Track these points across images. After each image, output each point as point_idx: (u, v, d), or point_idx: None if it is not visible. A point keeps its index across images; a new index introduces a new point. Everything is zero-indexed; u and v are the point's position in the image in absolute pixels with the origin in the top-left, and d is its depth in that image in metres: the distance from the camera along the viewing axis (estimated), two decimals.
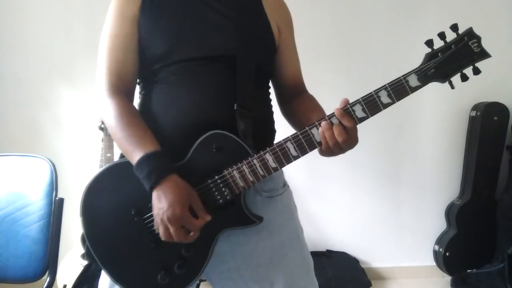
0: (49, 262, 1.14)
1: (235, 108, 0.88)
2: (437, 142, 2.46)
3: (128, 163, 0.84)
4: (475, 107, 2.35)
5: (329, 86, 2.26)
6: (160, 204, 0.79)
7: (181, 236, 0.80)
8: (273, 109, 1.04)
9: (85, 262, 1.94)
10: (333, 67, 2.39)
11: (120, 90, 0.92)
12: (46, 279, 1.14)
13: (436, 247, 2.44)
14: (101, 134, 2.07)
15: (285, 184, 1.03)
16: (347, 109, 0.82)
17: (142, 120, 0.89)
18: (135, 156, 0.82)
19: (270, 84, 1.07)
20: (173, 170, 0.82)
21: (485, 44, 0.83)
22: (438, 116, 2.43)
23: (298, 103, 1.03)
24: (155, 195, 0.81)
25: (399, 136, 2.46)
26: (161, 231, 0.81)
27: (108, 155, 2.01)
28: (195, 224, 0.81)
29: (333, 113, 0.83)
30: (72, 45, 2.34)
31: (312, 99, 1.04)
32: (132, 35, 0.92)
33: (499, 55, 2.32)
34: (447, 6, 2.33)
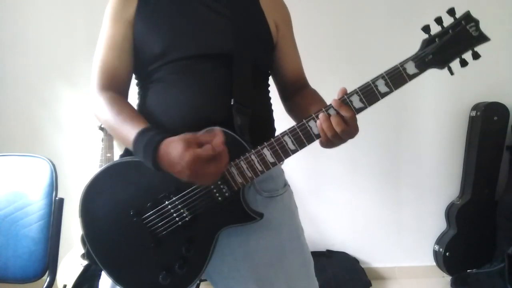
0: (49, 262, 1.14)
1: (232, 103, 0.87)
2: (437, 142, 2.46)
3: (126, 163, 0.85)
4: (475, 107, 2.35)
5: (329, 86, 2.26)
6: (175, 168, 0.75)
7: (219, 166, 0.75)
8: (273, 107, 1.04)
9: (85, 262, 1.94)
10: (333, 68, 2.39)
11: (109, 88, 0.92)
12: (46, 279, 1.14)
13: (436, 247, 2.44)
14: (101, 134, 2.08)
15: (285, 184, 1.02)
16: (344, 100, 0.81)
17: (132, 107, 0.90)
18: (130, 139, 0.82)
19: (270, 82, 1.06)
20: (165, 135, 0.79)
21: (485, 44, 0.82)
22: (438, 116, 2.43)
23: (300, 97, 1.03)
24: (166, 166, 0.77)
25: (399, 136, 2.46)
26: (206, 182, 0.80)
27: (108, 155, 2.01)
28: (213, 148, 0.74)
29: (330, 104, 0.82)
30: (73, 45, 2.34)
31: (313, 93, 1.03)
32: (126, 36, 0.93)
33: (499, 55, 2.32)
34: (447, 6, 2.32)
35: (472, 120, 2.36)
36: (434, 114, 2.42)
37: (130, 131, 0.82)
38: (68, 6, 2.33)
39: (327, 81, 2.31)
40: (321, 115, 0.81)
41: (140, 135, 0.80)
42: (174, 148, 0.75)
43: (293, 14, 1.10)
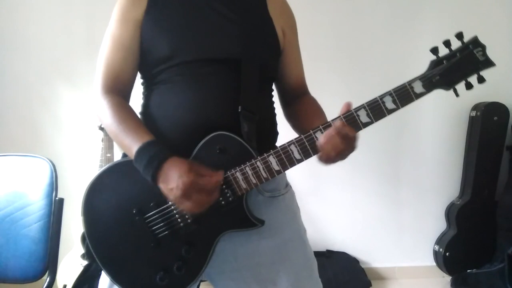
0: (49, 262, 1.13)
1: (239, 110, 0.88)
2: (437, 142, 2.46)
3: (129, 162, 0.84)
4: (475, 107, 2.35)
5: (329, 86, 2.26)
6: (170, 184, 0.79)
7: (206, 200, 0.79)
8: (276, 111, 1.04)
9: (85, 262, 1.94)
10: (333, 68, 2.39)
11: (114, 90, 0.92)
12: (46, 279, 1.14)
13: (436, 247, 2.44)
14: (101, 134, 2.08)
15: (287, 185, 1.03)
16: (351, 115, 0.82)
17: (136, 114, 0.91)
18: (133, 148, 0.83)
19: (273, 87, 1.07)
20: (171, 153, 0.82)
21: (484, 44, 0.83)
22: (438, 116, 2.43)
23: (300, 105, 1.04)
24: (160, 182, 0.80)
25: (399, 136, 2.46)
26: (187, 208, 0.81)
27: (108, 155, 2.01)
28: (211, 180, 0.80)
29: (338, 117, 0.83)
30: (73, 45, 2.34)
31: (313, 102, 1.04)
32: (133, 37, 0.93)
33: (499, 55, 2.32)
34: (447, 6, 2.33)
35: (472, 120, 2.37)
36: (434, 114, 2.42)
37: (132, 141, 0.83)
38: (67, 5, 2.33)
39: (326, 81, 2.32)
40: (322, 137, 0.81)
41: (144, 148, 0.82)
42: (176, 167, 0.79)
43: (295, 13, 1.09)
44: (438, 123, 2.44)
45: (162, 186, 0.80)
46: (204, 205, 0.80)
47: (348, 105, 0.83)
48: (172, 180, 0.78)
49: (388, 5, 2.37)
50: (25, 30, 2.34)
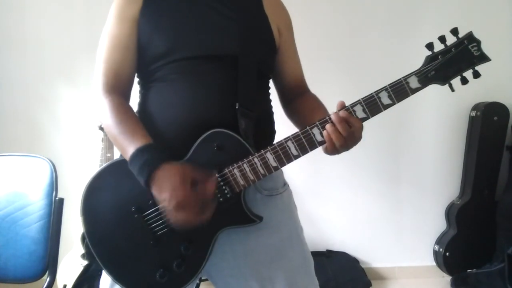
0: (49, 262, 1.13)
1: (236, 107, 0.88)
2: (437, 142, 2.46)
3: (127, 161, 0.85)
4: (475, 107, 2.35)
5: (329, 86, 2.26)
6: (162, 194, 0.79)
7: (197, 216, 0.80)
8: (273, 110, 1.05)
9: (85, 262, 1.94)
10: (333, 67, 2.39)
11: (115, 90, 0.92)
12: (46, 279, 1.14)
13: (436, 247, 2.44)
14: (101, 134, 2.08)
15: (285, 184, 1.03)
16: (347, 110, 0.83)
17: (136, 116, 0.90)
18: (129, 152, 0.83)
19: (270, 85, 1.07)
20: (164, 159, 0.82)
21: (485, 45, 0.83)
22: (438, 116, 2.43)
23: (301, 102, 1.05)
24: (153, 188, 0.81)
25: (399, 136, 2.46)
26: (175, 221, 0.81)
27: (108, 155, 2.01)
28: (207, 188, 0.81)
29: (337, 111, 0.83)
30: (72, 45, 2.34)
31: (314, 99, 1.05)
32: (131, 35, 0.93)
33: (499, 55, 2.32)
34: (446, 5, 2.33)
35: (472, 120, 2.37)
36: (434, 114, 2.42)
37: (128, 145, 0.84)
38: (67, 5, 2.33)
39: (325, 79, 2.32)
40: (328, 126, 0.82)
41: (137, 154, 0.82)
42: (169, 176, 0.79)
43: (294, 11, 1.10)
44: (438, 123, 2.44)
45: (156, 193, 0.81)
46: (195, 222, 0.80)
47: (341, 103, 0.84)
48: (166, 192, 0.79)
49: (387, 4, 2.36)
50: (25, 30, 2.34)
